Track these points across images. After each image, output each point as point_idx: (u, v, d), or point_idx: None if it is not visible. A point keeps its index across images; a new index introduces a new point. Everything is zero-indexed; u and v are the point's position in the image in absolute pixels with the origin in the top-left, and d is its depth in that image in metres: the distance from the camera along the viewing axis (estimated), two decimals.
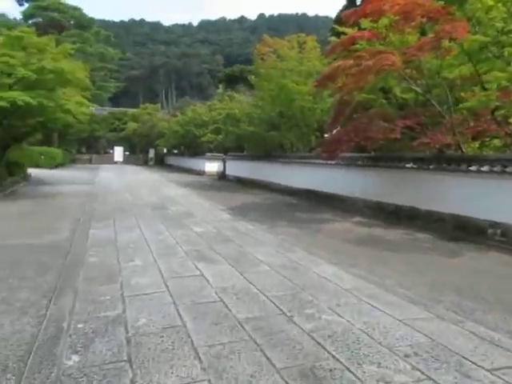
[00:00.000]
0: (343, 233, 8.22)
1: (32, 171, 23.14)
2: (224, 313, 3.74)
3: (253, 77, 20.18)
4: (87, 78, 14.64)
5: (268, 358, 2.92)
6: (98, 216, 9.38)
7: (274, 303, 4.01)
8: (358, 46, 9.79)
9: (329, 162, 11.93)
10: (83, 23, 35.70)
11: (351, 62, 8.33)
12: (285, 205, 12.64)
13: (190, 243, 6.69)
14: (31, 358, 2.92)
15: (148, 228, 7.91)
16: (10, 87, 11.02)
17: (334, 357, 2.96)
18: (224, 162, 26.77)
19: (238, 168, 23.01)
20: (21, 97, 10.09)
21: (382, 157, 10.70)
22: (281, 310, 3.85)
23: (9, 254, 5.89)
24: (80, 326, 3.45)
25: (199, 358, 2.90)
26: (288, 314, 3.74)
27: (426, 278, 5.05)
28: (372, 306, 4.02)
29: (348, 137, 8.89)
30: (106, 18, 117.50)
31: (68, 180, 20.46)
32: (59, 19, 32.72)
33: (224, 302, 4.00)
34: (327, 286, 4.66)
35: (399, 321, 3.64)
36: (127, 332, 3.33)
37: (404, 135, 9.03)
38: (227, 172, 25.13)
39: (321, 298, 4.20)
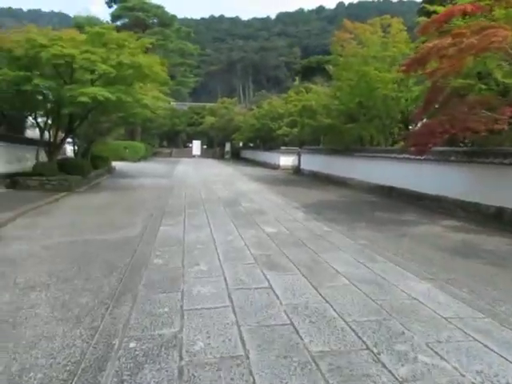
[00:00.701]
0: (433, 238, 7.15)
1: (116, 164, 24.51)
2: (294, 341, 3.13)
3: (330, 66, 19.20)
4: (165, 72, 14.79)
5: None
6: (171, 211, 9.27)
7: (356, 333, 3.30)
8: (452, 24, 8.51)
9: (415, 156, 10.70)
10: (165, 21, 37.05)
11: (448, 40, 7.15)
12: (364, 203, 11.65)
13: (260, 246, 6.17)
14: None
15: (217, 227, 7.55)
16: (93, 83, 11.39)
17: None
18: (299, 155, 26.05)
19: (313, 162, 22.17)
20: (101, 92, 10.35)
21: (482, 152, 9.26)
22: (364, 342, 3.14)
23: (82, 250, 5.84)
24: (132, 345, 3.06)
25: None
26: (374, 351, 3.01)
27: None
28: (484, 345, 3.14)
29: (442, 128, 7.71)
30: (188, 16, 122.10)
31: (148, 173, 21.24)
32: (143, 18, 34.28)
33: (295, 327, 3.39)
34: (421, 311, 3.82)
35: None
36: (181, 358, 2.86)
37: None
38: (302, 166, 24.40)
39: (414, 329, 3.40)
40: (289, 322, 3.49)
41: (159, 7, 36.58)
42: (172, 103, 54.99)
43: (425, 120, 10.81)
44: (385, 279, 4.73)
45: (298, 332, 3.29)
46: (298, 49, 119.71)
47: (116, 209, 9.66)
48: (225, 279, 4.59)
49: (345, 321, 3.53)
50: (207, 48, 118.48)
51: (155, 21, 37.43)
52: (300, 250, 5.98)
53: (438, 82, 8.63)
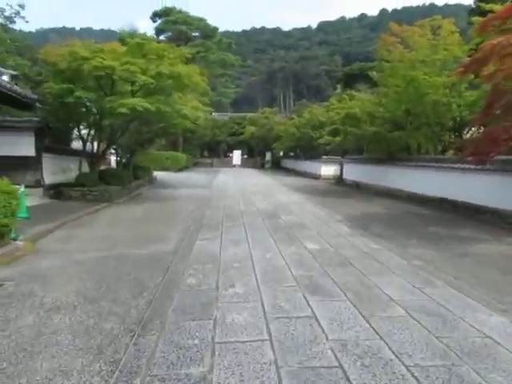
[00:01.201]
0: (499, 259, 6.32)
1: (158, 174, 24.82)
2: None
3: (374, 73, 18.44)
4: (204, 82, 14.71)
5: None
6: (209, 224, 8.95)
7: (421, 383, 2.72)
8: None
9: (470, 166, 9.80)
10: (207, 33, 37.55)
11: None
12: (413, 216, 10.81)
13: (302, 266, 5.65)
14: None
15: (256, 242, 7.11)
16: (133, 94, 11.41)
17: None
18: (341, 165, 25.24)
19: (356, 172, 21.32)
20: (140, 103, 10.31)
21: None
22: None
23: (113, 266, 5.59)
24: None
25: None
26: None
27: None
28: None
29: (507, 135, 6.88)
30: (230, 29, 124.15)
31: (188, 183, 21.27)
32: (186, 31, 34.92)
33: (344, 370, 2.86)
34: (498, 355, 3.16)
35: None
36: None
37: None
38: (344, 176, 23.56)
39: (493, 380, 2.76)
40: (337, 363, 2.96)
41: (201, 20, 37.17)
42: (213, 114, 55.93)
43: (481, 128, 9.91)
44: (448, 310, 4.07)
45: (348, 379, 2.75)
46: (339, 57, 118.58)
47: (153, 221, 9.47)
48: (262, 305, 4.12)
49: (405, 365, 2.95)
50: (248, 59, 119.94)
51: (197, 34, 38.09)
52: (346, 271, 5.40)
53: (500, 85, 7.79)
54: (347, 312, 3.97)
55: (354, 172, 21.53)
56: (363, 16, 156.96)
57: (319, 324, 3.66)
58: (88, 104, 11.47)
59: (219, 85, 39.34)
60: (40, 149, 12.17)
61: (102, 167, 15.72)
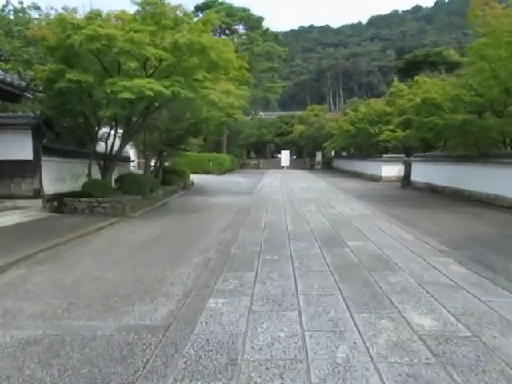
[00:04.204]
0: None
1: (196, 177, 22.34)
2: None
3: (452, 50, 14.68)
4: (244, 64, 11.80)
5: None
6: (238, 257, 5.95)
7: None
8: None
9: None
10: (251, 24, 34.76)
11: None
12: None
13: (406, 369, 2.50)
14: None
15: (313, 305, 3.98)
16: (148, 77, 8.67)
17: None
18: (407, 164, 21.38)
19: (429, 172, 17.47)
20: (150, 85, 7.57)
21: None
22: None
23: (53, 362, 2.78)
24: None
25: None
26: None
27: None
28: None
29: None
30: (277, 30, 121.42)
31: (228, 188, 18.51)
32: (229, 22, 32.41)
33: None
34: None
35: None
36: None
37: None
38: (413, 178, 19.72)
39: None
40: None
41: (245, 10, 34.42)
42: (260, 113, 53.26)
43: None
44: None
45: None
46: (393, 51, 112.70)
47: (162, 248, 6.63)
48: None
49: None
50: (296, 59, 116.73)
51: (241, 26, 35.46)
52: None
53: None
54: None
55: (427, 173, 17.68)
56: (418, 8, 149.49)
57: None
58: (89, 91, 8.87)
59: (265, 80, 36.40)
60: (38, 151, 9.82)
61: (124, 171, 13.29)
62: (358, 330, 3.37)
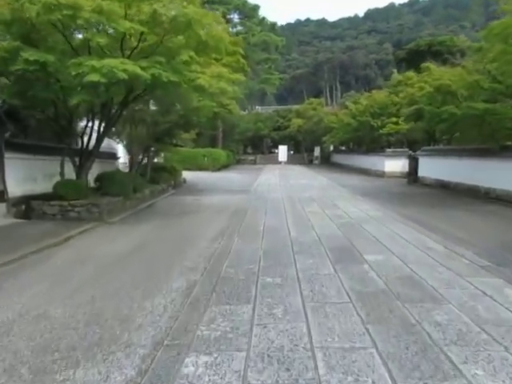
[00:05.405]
0: None
1: (189, 174, 21.00)
2: None
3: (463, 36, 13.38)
4: (240, 54, 10.51)
5: None
6: (231, 279, 4.68)
7: None
8: None
9: None
10: (247, 13, 33.26)
11: None
12: None
13: None
14: None
15: (334, 365, 2.71)
16: (127, 57, 7.33)
17: None
18: (412, 159, 20.11)
19: (439, 167, 16.25)
20: (122, 66, 6.27)
21: None
22: None
23: None
24: None
25: None
26: None
27: None
28: None
29: None
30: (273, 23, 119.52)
31: (223, 186, 17.23)
32: (224, 11, 30.86)
33: None
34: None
35: None
36: None
37: None
38: (420, 173, 18.49)
39: None
40: None
41: None
42: (257, 107, 51.79)
43: None
44: None
45: None
46: (390, 45, 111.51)
47: (137, 267, 5.34)
48: None
49: None
50: (293, 53, 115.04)
51: (236, 15, 33.94)
52: None
53: None
54: None
55: (437, 168, 16.46)
56: (414, 1, 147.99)
57: None
58: (55, 75, 7.50)
59: (262, 72, 34.96)
60: (0, 147, 8.49)
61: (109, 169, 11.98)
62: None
